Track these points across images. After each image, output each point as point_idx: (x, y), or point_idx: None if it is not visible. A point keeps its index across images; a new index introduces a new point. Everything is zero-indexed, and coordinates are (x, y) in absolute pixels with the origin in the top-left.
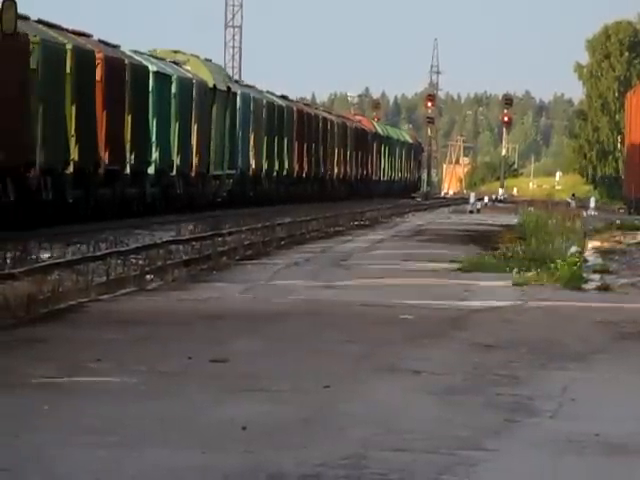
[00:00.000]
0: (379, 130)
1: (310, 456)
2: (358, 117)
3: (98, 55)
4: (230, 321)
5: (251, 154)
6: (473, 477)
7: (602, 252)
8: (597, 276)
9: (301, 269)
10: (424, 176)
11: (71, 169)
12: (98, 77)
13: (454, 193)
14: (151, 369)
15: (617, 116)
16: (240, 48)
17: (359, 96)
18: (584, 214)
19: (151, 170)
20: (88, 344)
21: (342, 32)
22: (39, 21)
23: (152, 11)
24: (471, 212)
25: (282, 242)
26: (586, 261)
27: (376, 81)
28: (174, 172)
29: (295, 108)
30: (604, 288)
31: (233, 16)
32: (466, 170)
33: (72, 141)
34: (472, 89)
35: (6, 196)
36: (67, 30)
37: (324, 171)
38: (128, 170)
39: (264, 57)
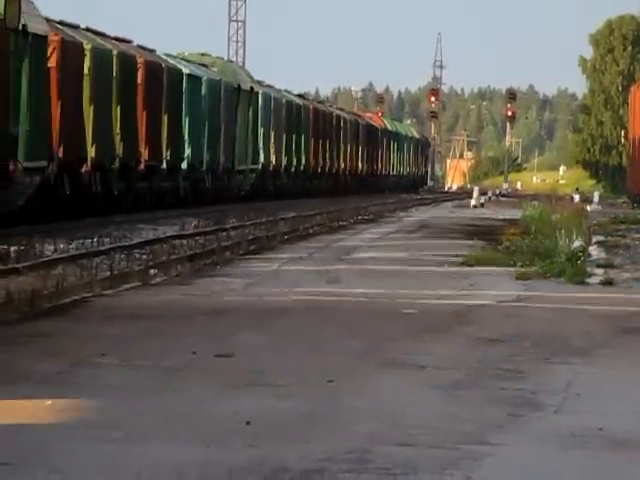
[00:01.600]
0: (388, 126)
1: (314, 451)
2: (368, 114)
3: (139, 60)
4: (234, 316)
5: (272, 150)
6: (477, 472)
7: (606, 246)
8: (601, 270)
9: (305, 264)
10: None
11: (117, 164)
12: (139, 80)
13: (458, 187)
14: (155, 364)
15: (621, 110)
16: (244, 43)
17: (363, 90)
18: (588, 208)
19: (184, 165)
20: (92, 339)
21: (346, 26)
22: (87, 29)
23: (155, 5)
24: (475, 207)
25: (286, 237)
26: (590, 255)
27: (380, 75)
28: (204, 167)
29: (311, 106)
30: (608, 282)
31: (237, 11)
32: (470, 164)
33: (117, 139)
34: (476, 83)
35: (63, 189)
36: (110, 37)
37: (337, 166)
38: (164, 165)
39: (268, 52)
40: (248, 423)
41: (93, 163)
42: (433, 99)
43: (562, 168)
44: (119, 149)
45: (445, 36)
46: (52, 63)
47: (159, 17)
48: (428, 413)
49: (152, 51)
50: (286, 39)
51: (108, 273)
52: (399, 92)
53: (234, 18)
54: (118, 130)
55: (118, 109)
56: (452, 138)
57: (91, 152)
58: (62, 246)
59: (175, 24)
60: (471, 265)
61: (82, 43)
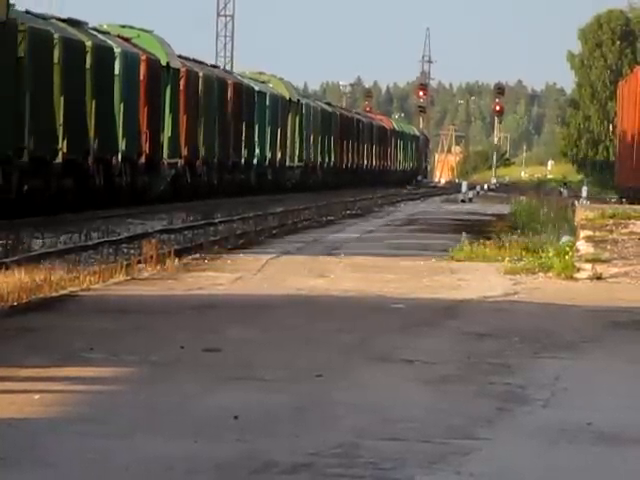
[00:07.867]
0: (395, 127)
1: (303, 445)
2: (379, 116)
3: (229, 82)
4: (222, 310)
5: (311, 150)
6: (466, 466)
7: (594, 241)
8: (589, 265)
9: (293, 258)
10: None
11: (215, 161)
12: (228, 97)
13: (446, 182)
14: (143, 358)
15: (608, 105)
16: (232, 37)
17: (351, 85)
18: (576, 203)
19: (255, 162)
20: (80, 333)
21: (334, 21)
22: (194, 60)
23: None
24: (463, 201)
25: (274, 231)
26: (578, 250)
27: (368, 70)
28: (267, 163)
29: (338, 113)
30: (596, 277)
31: (225, 5)
32: (458, 159)
33: (216, 142)
34: (464, 78)
35: (186, 178)
36: (207, 64)
37: (356, 163)
38: (243, 162)
39: (256, 46)
40: (236, 417)
41: (203, 160)
42: (421, 94)
43: (550, 163)
44: (216, 150)
45: (434, 31)
46: (181, 87)
47: (151, 13)
48: (417, 407)
49: (230, 73)
50: (274, 34)
51: (96, 267)
52: (387, 87)
53: (222, 13)
54: (216, 135)
55: (216, 120)
56: (440, 133)
57: (202, 152)
58: (50, 240)
59: (164, 19)
60: (459, 260)
61: (198, 72)
